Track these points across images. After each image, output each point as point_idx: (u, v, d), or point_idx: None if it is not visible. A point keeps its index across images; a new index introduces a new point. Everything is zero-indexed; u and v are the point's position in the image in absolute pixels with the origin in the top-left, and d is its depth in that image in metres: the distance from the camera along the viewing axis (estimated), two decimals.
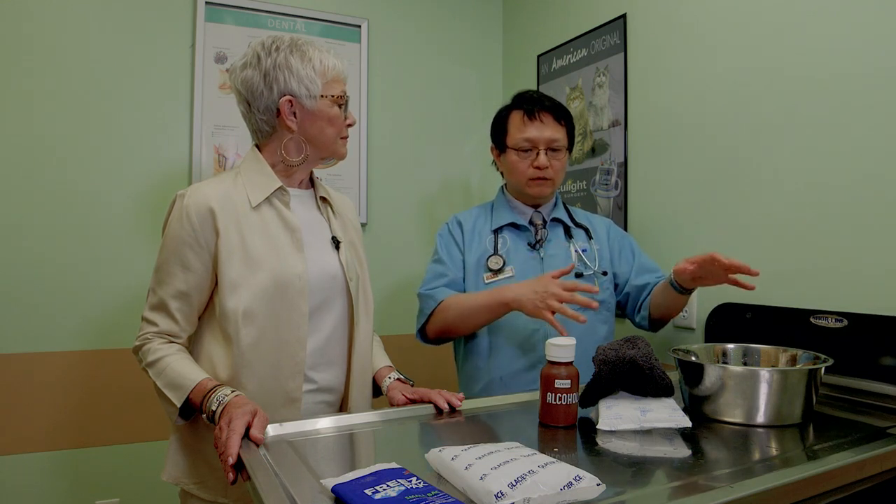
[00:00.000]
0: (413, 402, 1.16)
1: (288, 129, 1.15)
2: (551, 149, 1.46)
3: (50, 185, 1.75)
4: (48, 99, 1.75)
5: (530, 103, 1.49)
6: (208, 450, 1.10)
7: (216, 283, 1.10)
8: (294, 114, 1.14)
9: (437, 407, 1.12)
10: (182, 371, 1.05)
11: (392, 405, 1.17)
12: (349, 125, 1.21)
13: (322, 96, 1.14)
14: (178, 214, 1.09)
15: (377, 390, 1.28)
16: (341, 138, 1.20)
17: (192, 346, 1.15)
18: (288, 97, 1.12)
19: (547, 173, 1.46)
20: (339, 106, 1.17)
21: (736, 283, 1.20)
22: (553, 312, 1.25)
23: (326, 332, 1.17)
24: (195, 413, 1.08)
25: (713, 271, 1.21)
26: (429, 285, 1.49)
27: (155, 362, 1.07)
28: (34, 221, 1.73)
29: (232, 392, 1.00)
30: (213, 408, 0.98)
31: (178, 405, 1.04)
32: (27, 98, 1.73)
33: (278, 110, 1.13)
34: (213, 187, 1.12)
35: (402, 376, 1.25)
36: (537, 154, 1.46)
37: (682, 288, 1.32)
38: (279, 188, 1.15)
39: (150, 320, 1.11)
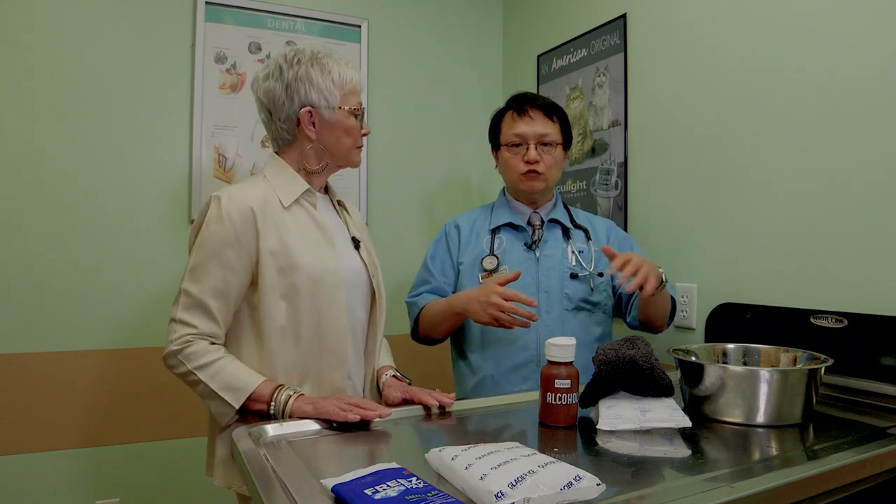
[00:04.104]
0: (406, 401, 1.17)
1: (307, 139, 1.20)
2: (542, 143, 1.47)
3: (48, 185, 1.75)
4: (48, 99, 1.75)
5: (520, 102, 1.51)
6: None
7: (253, 283, 1.13)
8: (313, 124, 1.20)
9: (426, 407, 1.13)
10: (238, 373, 1.09)
11: (387, 404, 1.18)
12: (364, 135, 1.26)
13: (340, 108, 1.20)
14: (218, 215, 1.12)
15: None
16: (356, 147, 1.26)
17: (229, 347, 1.16)
18: (308, 108, 1.18)
19: (538, 167, 1.47)
20: (356, 117, 1.23)
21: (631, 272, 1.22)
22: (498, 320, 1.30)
23: (351, 328, 1.21)
24: (244, 414, 1.10)
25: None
26: (413, 292, 1.58)
27: (207, 365, 1.08)
28: (33, 222, 1.73)
29: (295, 392, 1.08)
30: (282, 399, 1.06)
31: (237, 406, 1.07)
32: (27, 98, 1.73)
33: (298, 120, 1.19)
34: (250, 190, 1.17)
35: (398, 374, 1.27)
36: (527, 149, 1.47)
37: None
38: (306, 190, 1.21)
39: (187, 322, 1.11)
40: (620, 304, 1.54)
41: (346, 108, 1.20)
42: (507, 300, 1.29)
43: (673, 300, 1.46)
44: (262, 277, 1.12)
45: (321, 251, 1.17)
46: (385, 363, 1.32)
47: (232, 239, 1.11)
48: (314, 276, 1.14)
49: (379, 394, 1.28)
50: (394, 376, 1.26)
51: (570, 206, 1.61)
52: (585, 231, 1.54)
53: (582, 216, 1.60)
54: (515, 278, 1.33)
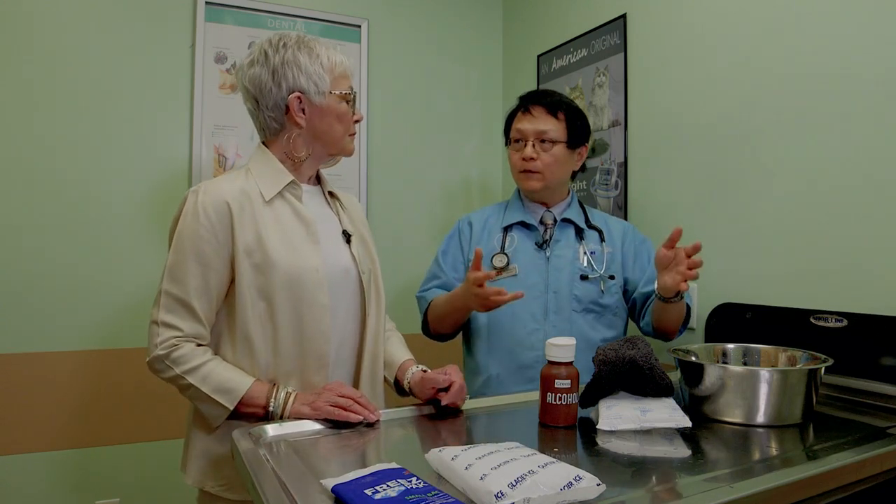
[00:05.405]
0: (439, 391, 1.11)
1: (296, 126, 1.15)
2: (541, 140, 1.46)
3: (49, 185, 1.75)
4: (48, 99, 1.75)
5: (527, 99, 1.52)
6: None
7: (232, 280, 1.09)
8: (303, 110, 1.14)
9: (433, 403, 1.11)
10: (230, 375, 1.06)
11: (422, 399, 1.14)
12: (357, 121, 1.21)
13: (330, 92, 1.14)
14: (194, 210, 1.07)
15: (398, 387, 1.25)
16: (349, 135, 1.21)
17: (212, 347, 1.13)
18: (297, 93, 1.12)
19: (534, 165, 1.46)
20: (347, 102, 1.17)
21: (690, 268, 1.19)
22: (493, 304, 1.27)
23: (339, 327, 1.17)
24: (235, 419, 1.08)
25: (663, 263, 1.23)
26: (423, 287, 1.58)
27: (197, 368, 1.05)
28: (33, 221, 1.73)
29: (293, 391, 1.07)
30: (282, 399, 1.05)
31: (231, 408, 1.05)
32: (27, 98, 1.73)
33: (287, 107, 1.13)
34: (227, 183, 1.12)
35: (426, 368, 1.22)
36: (525, 145, 1.47)
37: (660, 296, 1.30)
38: (291, 182, 1.15)
39: (170, 324, 1.06)
40: (634, 309, 1.52)
41: (337, 92, 1.15)
42: (480, 286, 1.25)
43: (688, 307, 1.43)
44: (238, 275, 1.07)
45: (302, 248, 1.11)
46: (406, 357, 1.27)
47: (209, 235, 1.06)
48: (291, 274, 1.08)
49: (399, 390, 1.24)
50: (423, 370, 1.20)
51: (586, 207, 1.59)
52: (600, 232, 1.53)
53: (598, 216, 1.58)
54: (479, 257, 1.26)
